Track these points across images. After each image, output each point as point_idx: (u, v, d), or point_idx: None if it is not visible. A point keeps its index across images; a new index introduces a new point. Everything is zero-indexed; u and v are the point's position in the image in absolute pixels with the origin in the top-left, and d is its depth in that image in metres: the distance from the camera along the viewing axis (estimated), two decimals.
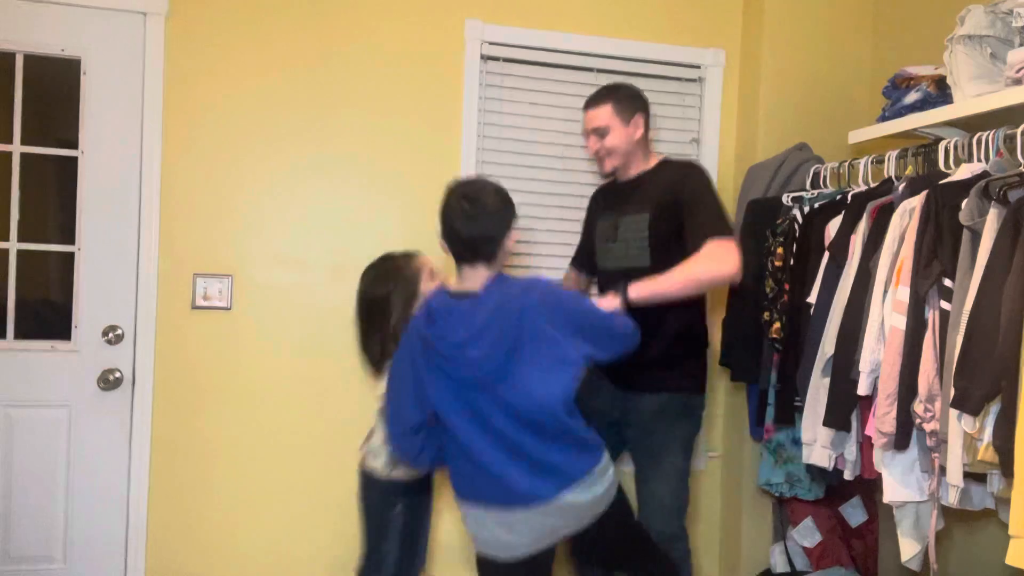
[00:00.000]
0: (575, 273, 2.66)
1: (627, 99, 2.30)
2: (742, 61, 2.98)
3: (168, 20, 2.58)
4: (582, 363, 1.80)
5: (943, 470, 1.79)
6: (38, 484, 2.55)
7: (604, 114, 2.28)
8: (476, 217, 1.82)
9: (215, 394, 2.64)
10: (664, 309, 2.11)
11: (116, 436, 2.59)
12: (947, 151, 2.04)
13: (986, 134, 1.91)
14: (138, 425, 2.59)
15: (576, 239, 2.71)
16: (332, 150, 2.71)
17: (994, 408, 1.64)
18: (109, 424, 2.59)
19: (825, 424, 2.10)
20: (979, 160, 1.92)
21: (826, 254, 2.24)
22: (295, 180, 2.69)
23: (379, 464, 2.07)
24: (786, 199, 2.53)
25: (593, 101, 2.32)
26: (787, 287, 2.42)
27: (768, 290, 2.47)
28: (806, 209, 2.46)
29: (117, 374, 2.57)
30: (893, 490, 1.93)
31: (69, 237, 2.56)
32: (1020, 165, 1.79)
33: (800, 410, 2.26)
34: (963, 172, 1.90)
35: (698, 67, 2.97)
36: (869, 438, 1.98)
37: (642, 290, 2.01)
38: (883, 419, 1.87)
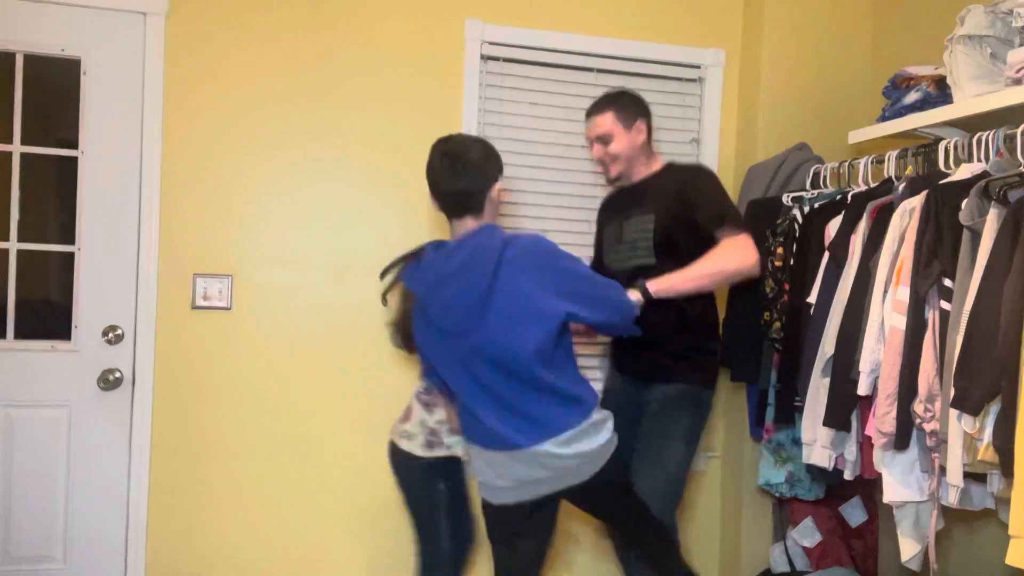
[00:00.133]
0: None
1: (629, 106, 2.33)
2: (742, 61, 2.98)
3: (168, 20, 2.58)
4: (560, 319, 1.83)
5: (943, 470, 1.79)
6: (38, 484, 2.55)
7: (607, 121, 2.31)
8: (458, 172, 1.89)
9: (215, 394, 2.64)
10: (685, 302, 2.17)
11: (116, 436, 2.59)
12: (947, 151, 2.04)
13: (986, 134, 1.91)
14: (138, 425, 2.59)
15: (576, 238, 2.73)
16: (332, 150, 2.71)
17: (994, 408, 1.64)
18: (109, 424, 2.58)
19: (825, 424, 2.10)
20: (979, 160, 1.92)
21: (826, 254, 2.24)
22: (295, 180, 2.69)
23: (416, 445, 2.10)
24: (786, 199, 2.53)
25: (595, 109, 2.35)
26: (787, 287, 2.41)
27: (768, 290, 2.47)
28: (806, 209, 2.46)
29: (117, 374, 2.57)
30: (893, 490, 1.93)
31: (69, 237, 2.56)
32: (1020, 165, 1.79)
33: (800, 410, 2.26)
34: (963, 172, 1.90)
35: (698, 67, 2.97)
36: (869, 438, 1.98)
37: (662, 284, 2.05)
38: (883, 419, 1.87)
